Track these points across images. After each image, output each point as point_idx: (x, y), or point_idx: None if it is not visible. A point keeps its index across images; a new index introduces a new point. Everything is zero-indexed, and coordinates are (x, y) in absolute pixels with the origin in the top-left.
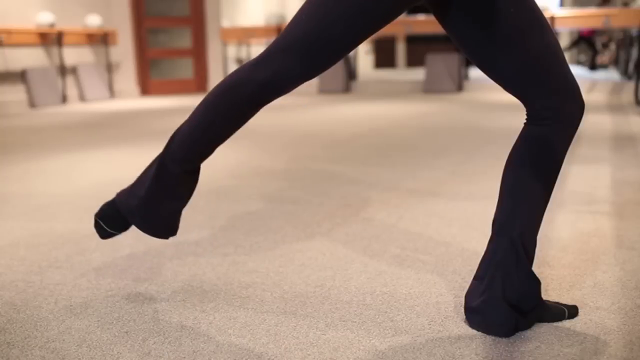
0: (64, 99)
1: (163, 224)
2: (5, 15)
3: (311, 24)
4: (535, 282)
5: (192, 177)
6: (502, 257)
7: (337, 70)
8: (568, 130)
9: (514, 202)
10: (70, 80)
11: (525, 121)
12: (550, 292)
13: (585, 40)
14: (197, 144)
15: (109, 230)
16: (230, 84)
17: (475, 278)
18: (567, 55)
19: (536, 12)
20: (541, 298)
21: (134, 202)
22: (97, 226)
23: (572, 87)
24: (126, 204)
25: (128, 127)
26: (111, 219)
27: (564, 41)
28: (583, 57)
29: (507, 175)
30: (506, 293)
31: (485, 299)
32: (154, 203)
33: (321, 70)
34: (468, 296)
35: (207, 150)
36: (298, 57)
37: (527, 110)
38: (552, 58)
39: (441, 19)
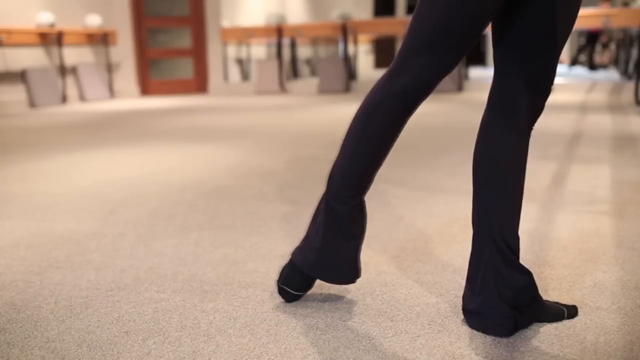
0: (64, 99)
1: (345, 269)
2: (5, 15)
3: (426, 21)
4: (527, 275)
5: (360, 212)
6: (488, 257)
7: (337, 70)
8: (529, 121)
9: (487, 200)
10: (70, 80)
11: (486, 107)
12: (550, 292)
13: (593, 38)
14: (358, 175)
15: (295, 293)
16: (374, 103)
17: (467, 280)
18: (570, 56)
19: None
20: (539, 295)
21: (312, 255)
22: (282, 292)
23: (549, 84)
24: (304, 260)
25: (128, 127)
26: (294, 281)
27: (571, 40)
28: (583, 57)
29: (476, 174)
30: (501, 293)
31: (481, 301)
32: (331, 250)
33: (455, 61)
34: (464, 298)
35: (368, 178)
36: (427, 55)
37: (493, 93)
38: (555, 50)
39: None
